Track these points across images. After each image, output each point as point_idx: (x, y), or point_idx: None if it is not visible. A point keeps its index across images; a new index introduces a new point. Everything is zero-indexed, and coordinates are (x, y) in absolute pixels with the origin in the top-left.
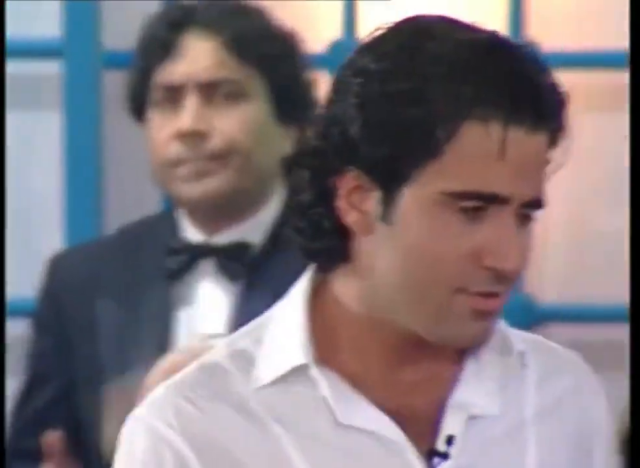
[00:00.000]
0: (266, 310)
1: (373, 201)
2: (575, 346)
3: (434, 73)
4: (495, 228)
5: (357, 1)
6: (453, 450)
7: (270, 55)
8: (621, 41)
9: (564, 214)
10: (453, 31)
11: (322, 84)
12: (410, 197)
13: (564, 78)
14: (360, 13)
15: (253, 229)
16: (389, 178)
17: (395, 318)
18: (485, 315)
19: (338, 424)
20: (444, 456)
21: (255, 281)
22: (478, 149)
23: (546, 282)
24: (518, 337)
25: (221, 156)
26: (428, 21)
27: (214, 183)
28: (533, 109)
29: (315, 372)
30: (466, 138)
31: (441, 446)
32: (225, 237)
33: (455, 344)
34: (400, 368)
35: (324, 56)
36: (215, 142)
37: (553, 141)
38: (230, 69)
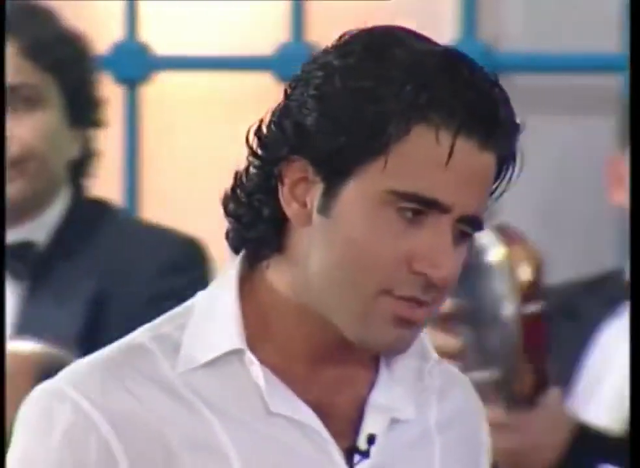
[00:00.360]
0: (50, 309)
1: (315, 193)
2: None
3: (395, 75)
4: (432, 235)
5: (138, 2)
6: (374, 449)
7: (63, 59)
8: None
9: None
10: (420, 41)
11: (105, 86)
12: (352, 192)
13: None
14: (141, 14)
15: (39, 228)
16: (335, 171)
17: (323, 313)
18: (408, 324)
19: (269, 412)
20: (365, 454)
21: (40, 280)
22: (426, 154)
23: None
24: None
25: (19, 163)
26: (396, 29)
27: (12, 190)
28: (486, 125)
29: (248, 357)
30: (415, 139)
31: (362, 444)
32: (10, 236)
33: (373, 348)
34: (321, 365)
35: (107, 57)
36: (13, 149)
37: (500, 168)
38: (27, 74)
